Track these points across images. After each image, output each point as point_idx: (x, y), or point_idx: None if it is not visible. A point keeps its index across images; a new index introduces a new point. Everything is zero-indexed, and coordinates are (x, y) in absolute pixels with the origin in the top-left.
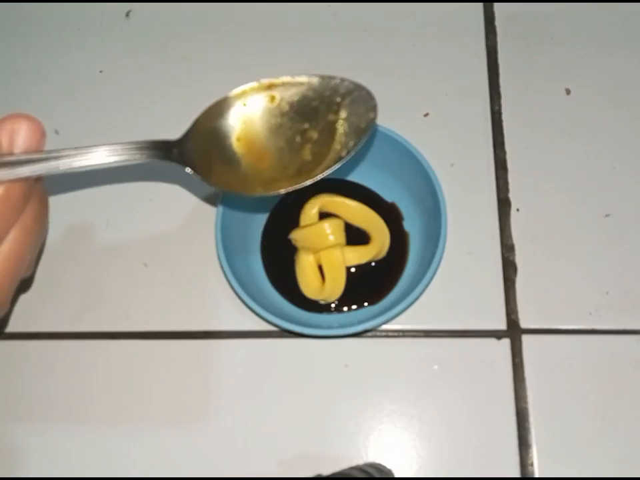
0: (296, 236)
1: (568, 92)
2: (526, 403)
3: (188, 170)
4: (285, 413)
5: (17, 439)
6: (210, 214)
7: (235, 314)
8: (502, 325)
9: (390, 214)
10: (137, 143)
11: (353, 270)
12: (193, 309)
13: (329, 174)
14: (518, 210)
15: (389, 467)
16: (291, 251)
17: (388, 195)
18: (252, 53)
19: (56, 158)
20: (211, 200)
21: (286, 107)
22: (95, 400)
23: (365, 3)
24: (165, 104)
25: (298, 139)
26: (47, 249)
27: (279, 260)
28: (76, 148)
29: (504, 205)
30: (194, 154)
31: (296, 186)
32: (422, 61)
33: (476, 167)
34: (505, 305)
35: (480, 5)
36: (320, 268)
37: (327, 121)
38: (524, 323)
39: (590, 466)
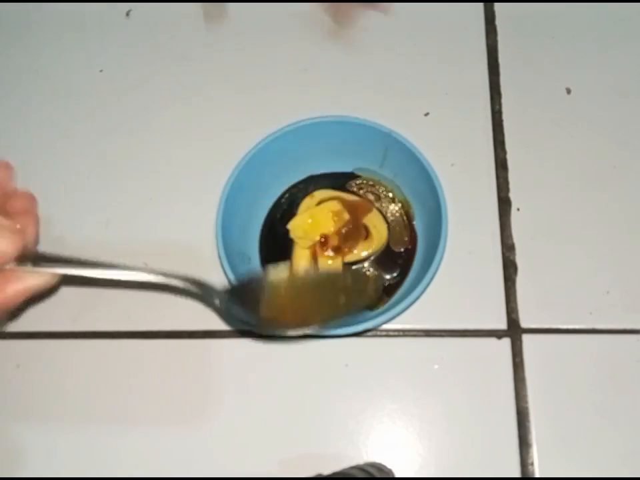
0: (292, 225)
1: (568, 91)
2: (526, 402)
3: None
4: (285, 413)
5: (17, 439)
6: (210, 214)
7: None
8: (502, 325)
9: (402, 210)
10: (186, 278)
11: (353, 267)
12: (193, 309)
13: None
14: (518, 209)
15: (389, 466)
16: (290, 251)
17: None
18: (252, 53)
19: (106, 267)
20: (211, 200)
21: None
22: (95, 399)
23: (365, 3)
24: (165, 103)
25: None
26: (47, 249)
27: (279, 260)
28: (126, 266)
29: (504, 204)
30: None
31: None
32: (422, 61)
33: (476, 167)
34: (505, 304)
35: (480, 4)
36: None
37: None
38: (524, 323)
39: (590, 465)
